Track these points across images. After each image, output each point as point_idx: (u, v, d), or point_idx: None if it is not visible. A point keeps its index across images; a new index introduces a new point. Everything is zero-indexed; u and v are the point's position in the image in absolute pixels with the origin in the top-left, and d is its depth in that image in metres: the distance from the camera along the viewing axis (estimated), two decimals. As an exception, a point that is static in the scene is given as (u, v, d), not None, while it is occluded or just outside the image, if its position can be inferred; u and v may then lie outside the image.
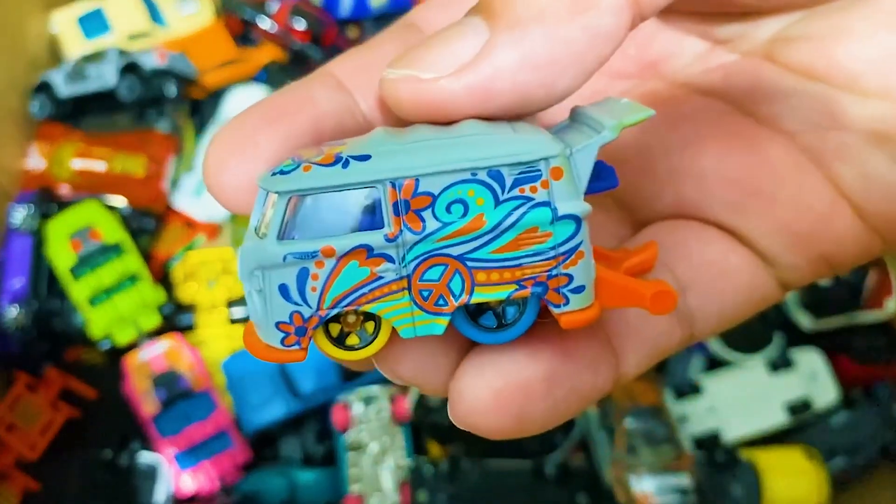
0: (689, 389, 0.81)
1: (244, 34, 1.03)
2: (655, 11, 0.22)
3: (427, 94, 0.20)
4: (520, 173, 0.20)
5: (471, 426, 0.21)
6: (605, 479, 0.74)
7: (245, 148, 0.21)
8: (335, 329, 0.20)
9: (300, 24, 0.99)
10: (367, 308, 0.20)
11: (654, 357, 0.23)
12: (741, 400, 0.80)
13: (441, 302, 0.20)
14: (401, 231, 0.19)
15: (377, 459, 0.75)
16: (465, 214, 0.20)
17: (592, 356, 0.22)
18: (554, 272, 0.20)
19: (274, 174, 0.20)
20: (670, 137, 0.25)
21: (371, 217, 0.20)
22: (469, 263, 0.20)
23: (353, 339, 0.21)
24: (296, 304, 0.20)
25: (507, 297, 0.20)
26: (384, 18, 1.04)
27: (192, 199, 0.93)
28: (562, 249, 0.20)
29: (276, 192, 0.19)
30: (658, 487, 0.71)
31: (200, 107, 0.99)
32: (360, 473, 0.75)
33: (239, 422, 0.81)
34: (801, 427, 0.80)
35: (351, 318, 0.20)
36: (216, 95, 0.98)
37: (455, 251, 0.20)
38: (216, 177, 0.21)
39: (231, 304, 0.88)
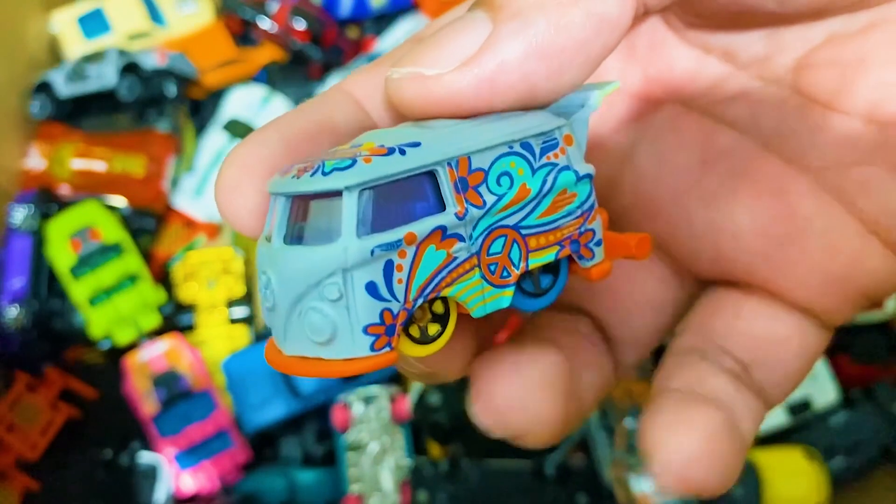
0: (689, 389, 0.81)
1: (244, 34, 1.03)
2: (661, 5, 0.22)
3: (433, 90, 0.20)
4: (544, 142, 0.21)
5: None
6: (605, 479, 0.74)
7: (262, 171, 0.21)
8: (416, 331, 0.20)
9: (300, 24, 0.99)
10: (446, 292, 0.20)
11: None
12: (741, 400, 0.80)
13: (505, 274, 0.21)
14: (466, 208, 0.20)
15: (377, 459, 0.75)
16: (511, 185, 0.21)
17: None
18: (582, 229, 0.22)
19: (328, 172, 0.19)
20: (704, 186, 0.26)
21: (427, 203, 0.20)
22: (522, 231, 0.21)
23: (433, 328, 0.20)
24: (385, 300, 0.19)
25: (555, 258, 0.21)
26: (384, 18, 1.04)
27: (192, 199, 0.93)
28: (585, 207, 0.22)
29: (346, 188, 0.19)
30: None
31: (200, 107, 0.99)
32: (360, 473, 0.75)
33: (239, 422, 0.81)
34: (800, 427, 0.80)
35: (418, 314, 0.20)
36: (216, 95, 0.98)
37: (511, 221, 0.21)
38: (229, 197, 0.21)
39: (231, 304, 0.88)
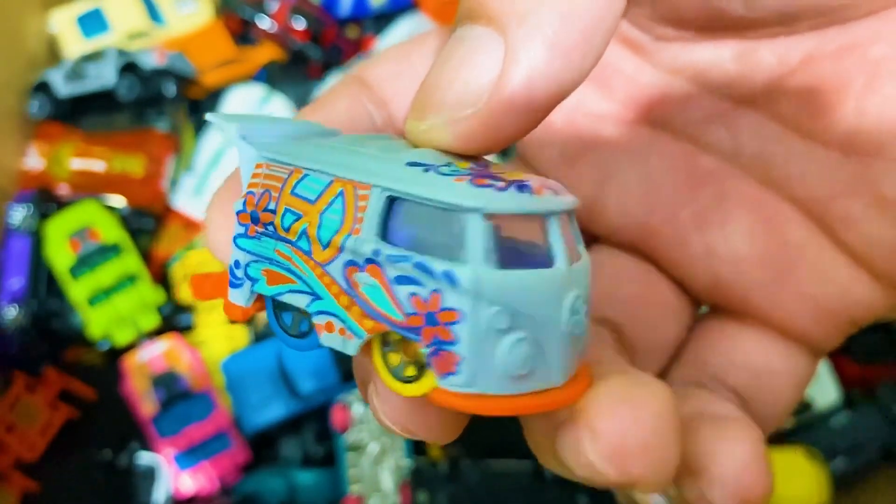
0: (689, 390, 0.81)
1: (243, 33, 1.02)
2: None
3: (473, 129, 0.19)
4: None
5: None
6: (605, 480, 0.74)
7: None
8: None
9: (300, 24, 0.99)
10: None
11: None
12: (742, 400, 0.80)
13: None
14: None
15: (377, 460, 0.75)
16: None
17: None
18: None
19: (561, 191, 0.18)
20: (695, 207, 0.25)
21: None
22: None
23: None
24: None
25: None
26: (384, 18, 1.04)
27: (191, 199, 0.93)
28: None
29: (569, 211, 0.18)
30: (659, 488, 0.70)
31: (200, 106, 0.99)
32: (359, 474, 0.75)
33: (238, 422, 0.81)
34: (801, 427, 0.80)
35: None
36: (215, 95, 0.98)
37: None
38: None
39: (230, 304, 0.88)
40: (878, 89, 0.22)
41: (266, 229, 0.19)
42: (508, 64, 0.18)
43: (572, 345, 0.18)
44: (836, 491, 0.75)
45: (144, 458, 0.79)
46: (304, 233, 0.18)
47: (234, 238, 0.20)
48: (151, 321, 0.84)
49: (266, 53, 1.01)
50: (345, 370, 0.81)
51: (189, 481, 0.78)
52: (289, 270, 0.19)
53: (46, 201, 0.87)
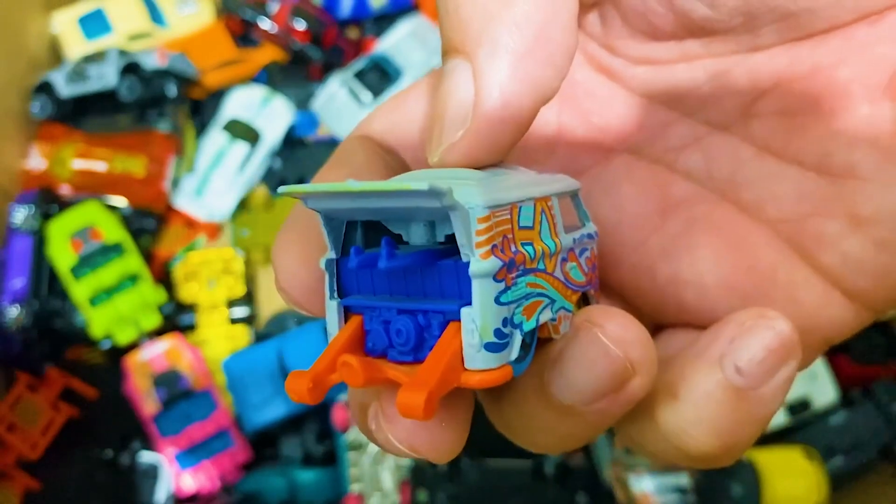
0: (688, 389, 0.81)
1: (244, 34, 1.03)
2: None
3: (469, 146, 0.21)
4: None
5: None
6: (604, 479, 0.74)
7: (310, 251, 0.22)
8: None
9: (300, 25, 0.99)
10: None
11: None
12: (740, 400, 0.80)
13: None
14: None
15: (377, 459, 0.75)
16: None
17: None
18: None
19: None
20: (664, 236, 0.26)
21: None
22: None
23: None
24: None
25: None
26: (384, 19, 1.05)
27: (192, 200, 0.93)
28: None
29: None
30: (657, 487, 0.71)
31: (201, 107, 1.00)
32: (360, 473, 0.75)
33: (239, 421, 0.82)
34: (800, 426, 0.80)
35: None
36: (216, 96, 0.98)
37: None
38: (291, 283, 0.22)
39: (231, 303, 0.88)
40: (847, 111, 0.22)
41: (519, 270, 0.20)
42: (479, 81, 0.20)
43: None
44: (834, 489, 0.75)
45: (146, 456, 0.79)
46: (542, 255, 0.21)
47: (497, 299, 0.19)
48: (153, 321, 0.84)
49: (267, 54, 1.01)
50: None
51: (190, 480, 0.79)
52: (539, 295, 0.21)
53: (48, 201, 0.87)
